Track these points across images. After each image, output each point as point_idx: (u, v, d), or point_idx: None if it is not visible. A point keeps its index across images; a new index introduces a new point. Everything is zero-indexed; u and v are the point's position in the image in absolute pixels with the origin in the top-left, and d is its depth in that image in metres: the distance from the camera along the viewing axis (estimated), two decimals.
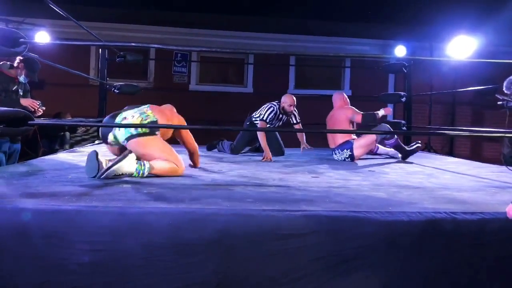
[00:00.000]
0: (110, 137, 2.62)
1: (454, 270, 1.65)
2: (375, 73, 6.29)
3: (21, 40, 1.95)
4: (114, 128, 2.58)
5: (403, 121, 4.94)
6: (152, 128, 2.57)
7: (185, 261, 1.52)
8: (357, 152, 3.86)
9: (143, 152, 2.52)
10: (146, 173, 2.41)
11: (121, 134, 2.56)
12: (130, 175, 2.38)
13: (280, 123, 4.44)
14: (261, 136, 4.04)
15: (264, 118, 4.25)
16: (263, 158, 3.80)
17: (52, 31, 5.66)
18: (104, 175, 2.28)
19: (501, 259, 1.67)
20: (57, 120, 3.60)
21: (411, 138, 5.46)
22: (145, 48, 6.24)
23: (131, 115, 2.63)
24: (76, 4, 4.48)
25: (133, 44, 2.39)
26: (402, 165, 3.65)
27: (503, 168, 3.68)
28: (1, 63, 3.69)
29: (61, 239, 1.50)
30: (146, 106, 2.75)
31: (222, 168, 3.05)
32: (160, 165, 2.49)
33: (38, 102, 3.69)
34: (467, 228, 1.65)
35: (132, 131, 2.52)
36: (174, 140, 2.87)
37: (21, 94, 3.77)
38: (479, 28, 4.86)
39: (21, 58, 3.54)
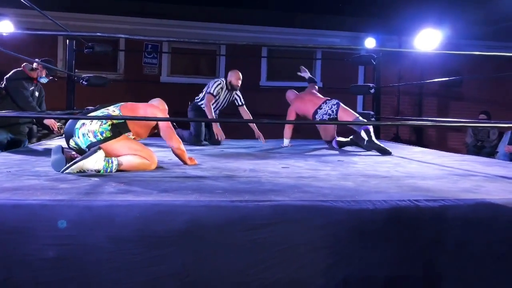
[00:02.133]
0: (72, 143, 2.50)
1: (417, 255, 1.71)
2: (346, 65, 6.38)
3: None
4: (75, 135, 2.45)
5: (371, 112, 5.04)
6: (115, 132, 2.45)
7: (153, 254, 1.52)
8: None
9: (110, 155, 2.41)
10: (114, 170, 2.33)
11: (81, 142, 2.44)
12: (98, 171, 2.28)
13: (226, 102, 4.52)
14: (208, 110, 4.24)
15: (211, 91, 4.37)
16: (217, 136, 4.13)
17: (18, 20, 5.45)
18: (69, 169, 2.23)
19: (461, 243, 1.74)
20: (22, 113, 3.51)
21: (380, 129, 5.60)
22: (114, 38, 6.12)
23: (89, 121, 2.46)
24: None
25: (99, 34, 2.33)
26: (371, 154, 3.73)
27: (466, 156, 3.83)
28: (24, 64, 3.92)
29: (25, 235, 1.47)
30: (117, 105, 2.62)
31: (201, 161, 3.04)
32: (129, 160, 2.41)
33: (58, 124, 4.18)
34: (429, 215, 1.71)
35: (91, 139, 2.41)
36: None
37: (37, 95, 4.04)
38: (444, 22, 5.00)
39: (39, 61, 3.80)
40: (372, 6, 6.18)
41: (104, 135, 2.42)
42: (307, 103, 4.34)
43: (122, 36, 2.32)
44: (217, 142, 4.40)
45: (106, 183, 1.98)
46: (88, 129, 2.43)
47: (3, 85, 3.87)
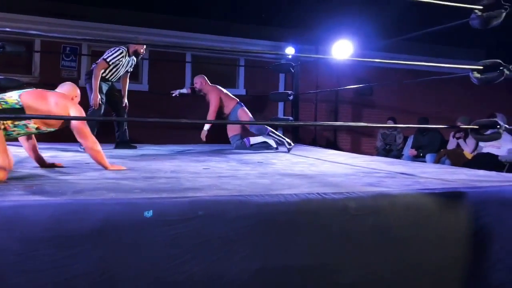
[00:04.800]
0: None
1: (325, 242, 1.86)
2: (268, 73, 6.62)
3: None
4: None
5: (290, 118, 5.28)
6: None
7: (66, 254, 1.49)
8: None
9: None
10: None
11: None
12: None
13: (121, 71, 4.37)
14: (94, 78, 4.12)
15: (108, 59, 4.18)
16: (93, 101, 4.08)
17: None
18: None
19: (363, 231, 1.92)
20: None
21: (299, 132, 5.88)
22: (27, 37, 5.77)
23: None
24: None
25: (8, 29, 2.22)
26: (289, 156, 3.92)
27: (374, 157, 4.17)
28: None
29: None
30: (17, 92, 2.32)
31: (113, 163, 2.98)
32: None
33: None
34: (334, 206, 1.87)
35: None
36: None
37: None
38: (356, 34, 5.42)
39: None
40: (292, 17, 6.50)
41: None
42: (227, 95, 4.70)
43: (34, 33, 2.23)
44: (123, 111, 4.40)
45: (14, 186, 1.89)
46: None
47: None
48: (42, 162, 2.64)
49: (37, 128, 2.36)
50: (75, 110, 2.45)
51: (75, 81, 6.45)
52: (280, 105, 7.08)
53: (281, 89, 7.00)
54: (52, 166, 2.63)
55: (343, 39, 5.48)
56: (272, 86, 6.82)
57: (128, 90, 4.57)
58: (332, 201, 1.89)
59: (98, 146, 2.53)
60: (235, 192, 1.87)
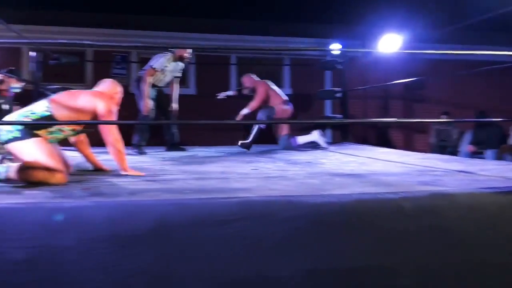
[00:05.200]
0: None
1: (380, 244, 1.79)
2: (313, 70, 6.53)
3: None
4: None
5: (339, 116, 5.17)
6: (24, 132, 2.17)
7: (122, 253, 1.53)
8: None
9: (20, 158, 2.16)
10: (2, 178, 2.03)
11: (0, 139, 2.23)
12: None
13: (169, 76, 4.43)
14: (144, 85, 4.17)
15: (154, 66, 4.23)
16: (144, 108, 4.12)
17: None
18: None
19: (421, 232, 1.83)
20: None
21: (348, 130, 5.75)
22: (80, 49, 6.07)
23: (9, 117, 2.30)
24: (5, 7, 4.27)
25: (63, 41, 2.33)
26: (338, 155, 3.84)
27: (428, 155, 3.99)
28: None
29: None
30: (44, 100, 2.37)
31: (164, 166, 3.06)
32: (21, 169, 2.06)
33: None
34: (388, 206, 1.80)
35: (3, 137, 2.19)
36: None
37: (7, 108, 3.90)
38: (405, 26, 5.22)
39: (4, 72, 3.78)
40: (336, 13, 6.38)
41: (14, 134, 2.16)
42: (274, 91, 4.62)
43: (88, 42, 2.33)
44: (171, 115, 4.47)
45: (72, 188, 1.98)
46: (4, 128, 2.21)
47: None
48: (95, 165, 2.70)
49: (72, 130, 2.40)
50: (102, 106, 2.40)
51: (126, 87, 6.71)
52: (327, 103, 6.97)
53: (327, 86, 6.89)
54: (103, 170, 2.67)
55: (390, 33, 5.30)
56: (318, 84, 6.72)
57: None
58: (386, 201, 1.82)
59: (121, 146, 2.46)
60: (285, 193, 1.84)
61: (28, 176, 2.03)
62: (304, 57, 6.87)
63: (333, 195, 1.81)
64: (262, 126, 4.53)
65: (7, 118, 2.33)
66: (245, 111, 4.49)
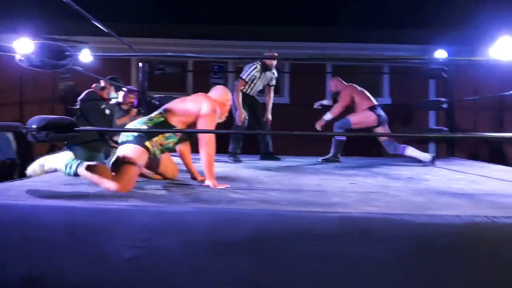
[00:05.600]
0: None
1: (495, 273, 1.60)
2: (415, 80, 6.16)
3: (67, 53, 2.10)
4: None
5: (445, 128, 4.79)
6: (137, 138, 2.27)
7: (221, 260, 1.58)
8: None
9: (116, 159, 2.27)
10: (71, 172, 2.10)
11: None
12: (56, 171, 2.19)
13: (260, 85, 4.46)
14: (235, 96, 4.19)
15: (244, 77, 4.32)
16: (238, 118, 4.14)
17: (95, 47, 5.96)
18: (29, 167, 2.17)
19: None
20: (102, 128, 3.81)
21: (456, 145, 5.30)
22: (182, 60, 6.48)
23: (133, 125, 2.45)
24: (117, 22, 4.70)
25: (169, 53, 2.49)
26: (444, 172, 3.55)
27: None
28: (94, 84, 4.21)
29: (106, 236, 1.60)
30: (161, 108, 2.51)
31: (259, 175, 3.10)
32: (86, 175, 2.12)
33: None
34: (506, 232, 1.60)
35: (123, 139, 2.34)
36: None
37: (108, 113, 4.22)
38: None
39: (105, 79, 4.10)
40: (441, 17, 5.94)
41: (128, 137, 2.30)
42: (362, 94, 4.42)
43: (191, 55, 2.45)
44: (265, 124, 4.48)
45: (175, 193, 2.09)
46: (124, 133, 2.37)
47: (77, 106, 4.15)
48: (192, 173, 2.73)
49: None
50: (207, 107, 2.45)
51: None
52: (431, 114, 6.52)
53: (431, 96, 6.44)
54: (197, 179, 2.68)
55: (507, 36, 4.78)
56: (420, 93, 6.32)
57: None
58: (504, 226, 1.63)
59: (212, 150, 2.45)
60: (387, 210, 1.74)
61: (94, 173, 2.09)
62: (405, 65, 6.52)
63: (440, 215, 1.66)
64: (342, 137, 4.36)
65: (129, 125, 2.52)
66: (327, 116, 4.38)
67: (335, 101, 4.71)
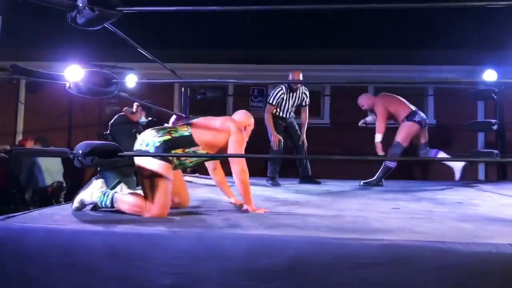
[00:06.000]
0: None
1: None
2: (462, 101, 5.94)
3: (113, 80, 2.19)
4: None
5: (495, 151, 4.54)
6: (159, 148, 2.20)
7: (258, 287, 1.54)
8: None
9: (140, 180, 2.25)
10: (109, 205, 2.17)
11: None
12: (93, 204, 2.23)
13: (292, 106, 4.41)
14: (267, 121, 4.21)
15: (270, 101, 4.31)
16: (273, 143, 4.16)
17: (140, 73, 6.21)
18: (73, 205, 2.21)
19: None
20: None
21: (507, 169, 5.02)
22: (223, 84, 6.61)
23: (148, 132, 2.33)
24: (160, 48, 4.87)
25: (210, 80, 2.54)
26: (495, 197, 3.36)
27: None
28: (125, 108, 4.26)
29: (146, 262, 1.61)
30: (189, 121, 2.47)
31: (299, 199, 3.06)
32: (124, 199, 2.18)
33: None
34: None
35: (141, 147, 2.27)
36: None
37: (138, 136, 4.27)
38: None
39: (138, 104, 4.12)
40: (489, 37, 5.74)
41: (148, 147, 2.24)
42: (397, 101, 4.32)
43: (231, 81, 2.48)
44: (301, 147, 4.42)
45: (217, 217, 2.10)
46: (143, 139, 2.30)
47: (108, 131, 4.18)
48: (228, 195, 2.70)
49: (207, 152, 2.34)
50: (235, 133, 2.38)
51: (262, 119, 7.03)
52: (480, 136, 6.23)
53: (480, 118, 6.18)
54: (234, 202, 2.63)
55: None
56: (467, 114, 6.07)
57: (309, 125, 4.65)
58: None
59: (246, 177, 2.36)
60: (432, 237, 1.65)
61: (124, 207, 2.13)
62: (451, 86, 6.31)
63: (492, 244, 1.56)
64: (392, 164, 4.18)
65: (151, 130, 2.39)
66: (378, 138, 4.23)
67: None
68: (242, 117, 2.60)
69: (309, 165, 4.54)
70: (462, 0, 2.36)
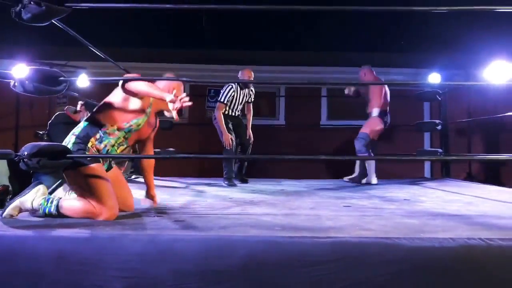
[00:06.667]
0: None
1: None
2: (409, 102, 6.21)
3: (61, 79, 2.11)
4: None
5: (439, 150, 4.79)
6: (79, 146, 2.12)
7: None
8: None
9: (70, 185, 2.19)
10: (53, 212, 2.05)
11: None
12: (35, 211, 2.09)
13: (240, 104, 4.48)
14: (218, 120, 4.27)
15: (222, 100, 4.35)
16: (225, 142, 4.18)
17: (93, 72, 6.00)
18: (7, 211, 2.06)
19: None
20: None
21: (450, 166, 5.30)
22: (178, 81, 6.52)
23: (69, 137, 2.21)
24: (114, 47, 4.74)
25: (164, 78, 2.51)
26: (440, 193, 3.54)
27: None
28: (66, 107, 4.04)
29: (95, 266, 1.56)
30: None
31: (254, 199, 3.08)
32: (71, 206, 2.08)
33: None
34: (502, 255, 1.58)
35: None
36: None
37: None
38: None
39: (82, 102, 3.88)
40: (435, 42, 6.04)
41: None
42: (386, 97, 4.55)
43: (186, 80, 2.46)
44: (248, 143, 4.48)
45: (169, 219, 2.07)
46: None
47: (46, 131, 3.90)
48: (149, 192, 2.63)
49: (118, 129, 2.24)
50: (120, 87, 2.30)
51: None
52: (426, 136, 6.54)
53: (426, 118, 6.49)
54: (153, 201, 2.60)
55: (499, 60, 4.84)
56: (414, 115, 6.36)
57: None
58: (499, 249, 1.61)
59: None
60: (381, 234, 1.72)
61: (73, 213, 2.05)
62: (399, 88, 6.58)
63: (435, 238, 1.64)
64: (366, 153, 4.33)
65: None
66: (375, 112, 4.44)
67: (357, 94, 4.72)
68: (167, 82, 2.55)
69: (245, 164, 4.59)
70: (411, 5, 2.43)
